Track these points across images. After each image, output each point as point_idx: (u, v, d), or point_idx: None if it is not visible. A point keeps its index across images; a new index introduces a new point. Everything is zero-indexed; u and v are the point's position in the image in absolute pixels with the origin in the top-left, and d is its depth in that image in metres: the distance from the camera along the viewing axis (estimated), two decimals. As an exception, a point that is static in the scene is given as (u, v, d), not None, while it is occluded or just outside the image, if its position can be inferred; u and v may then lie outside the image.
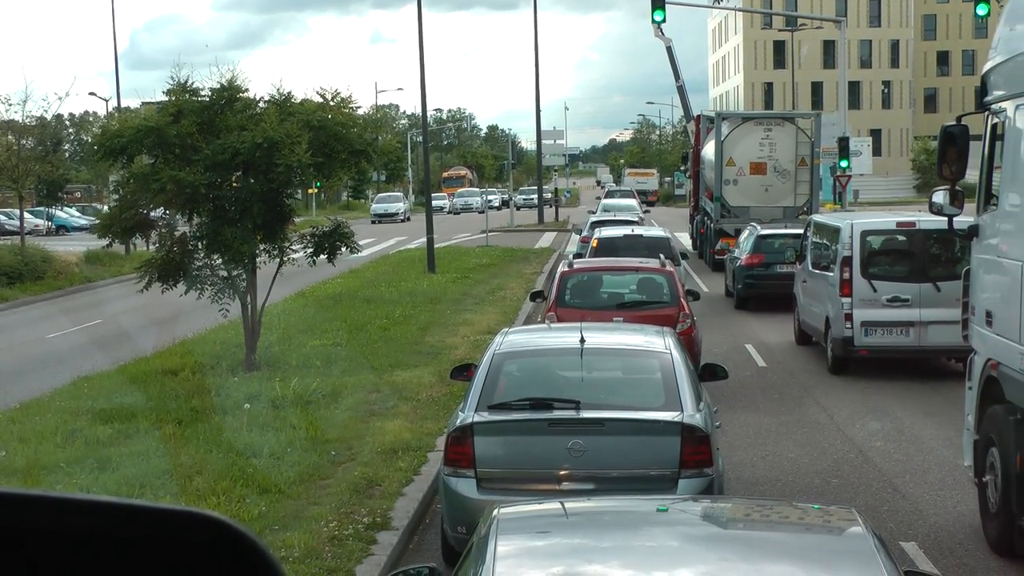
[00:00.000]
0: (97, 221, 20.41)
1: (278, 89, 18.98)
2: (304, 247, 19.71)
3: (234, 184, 18.57)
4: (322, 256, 19.74)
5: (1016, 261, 10.08)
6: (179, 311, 23.62)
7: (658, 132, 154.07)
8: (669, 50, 79.45)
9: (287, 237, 19.31)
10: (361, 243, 56.55)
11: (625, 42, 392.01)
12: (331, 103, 18.93)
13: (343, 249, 19.77)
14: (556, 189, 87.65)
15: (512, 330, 12.46)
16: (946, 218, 11.86)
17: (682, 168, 70.86)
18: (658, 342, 10.89)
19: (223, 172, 18.17)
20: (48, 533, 1.25)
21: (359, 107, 19.24)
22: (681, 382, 9.95)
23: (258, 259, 19.05)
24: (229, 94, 18.43)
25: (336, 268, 27.50)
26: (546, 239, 55.31)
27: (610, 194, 78.29)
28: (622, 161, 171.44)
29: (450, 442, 9.67)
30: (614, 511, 5.92)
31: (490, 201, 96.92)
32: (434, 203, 66.16)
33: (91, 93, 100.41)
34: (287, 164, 17.65)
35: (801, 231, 24.90)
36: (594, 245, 25.43)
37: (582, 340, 10.33)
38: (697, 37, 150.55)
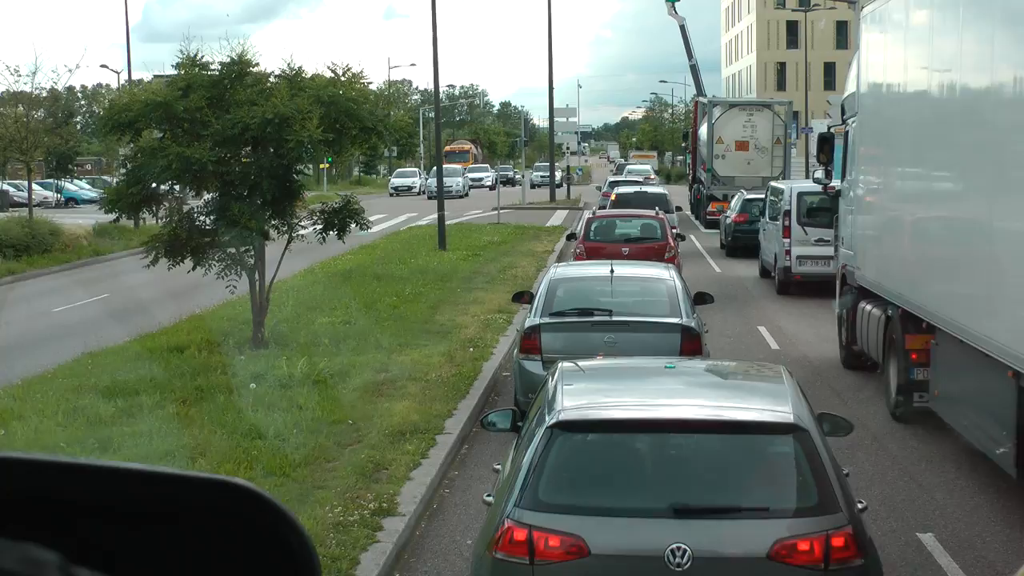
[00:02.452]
0: (104, 195, 20.03)
1: (289, 64, 18.73)
2: (313, 223, 19.48)
3: (244, 160, 18.33)
4: (332, 233, 19.51)
5: (850, 207, 18.52)
6: (188, 286, 23.31)
7: (671, 111, 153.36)
8: (682, 29, 79.36)
9: (296, 214, 19.07)
10: (373, 219, 56.34)
11: (640, 20, 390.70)
12: (342, 79, 18.66)
13: (353, 225, 19.53)
14: (568, 167, 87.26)
15: (559, 265, 17.65)
16: (823, 186, 21.24)
17: (683, 145, 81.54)
18: (665, 273, 15.46)
19: (232, 147, 17.93)
20: (70, 500, 1.26)
21: (370, 83, 18.98)
22: (681, 299, 14.35)
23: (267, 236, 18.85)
24: (239, 68, 18.18)
25: (347, 244, 27.33)
26: (558, 217, 55.04)
27: (620, 168, 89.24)
28: (634, 139, 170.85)
29: (523, 337, 14.11)
30: (637, 366, 9.92)
31: (480, 180, 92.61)
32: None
33: (103, 65, 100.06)
34: (298, 140, 17.40)
35: None
36: (612, 199, 36.30)
37: (612, 271, 15.08)
38: (711, 16, 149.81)
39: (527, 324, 14.22)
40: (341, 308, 22.72)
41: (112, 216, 18.72)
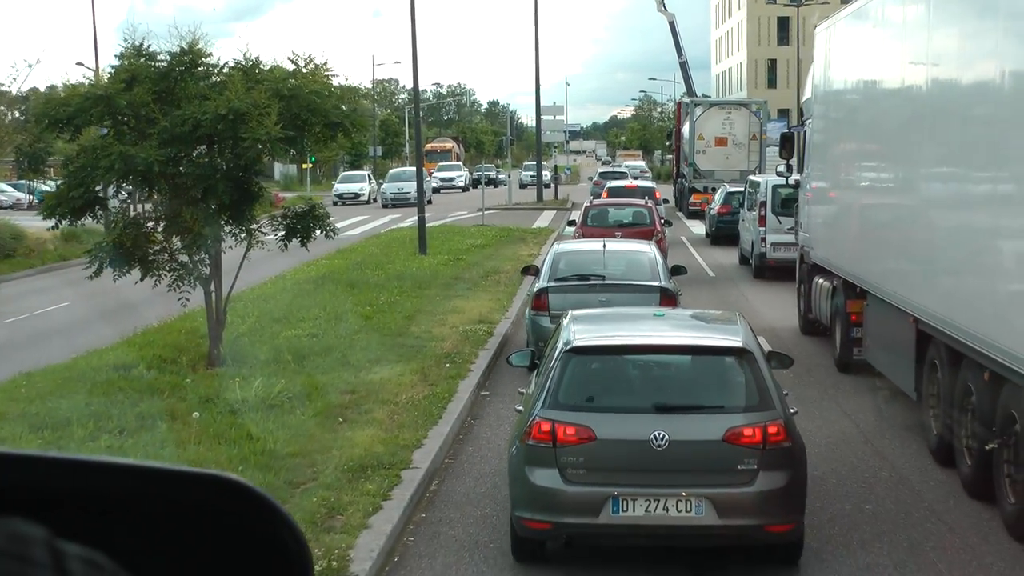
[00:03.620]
0: (42, 199, 18.31)
1: (245, 54, 17.12)
2: (275, 230, 17.90)
3: (198, 160, 16.72)
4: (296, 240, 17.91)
5: (806, 197, 21.44)
6: (158, 292, 21.61)
7: (660, 109, 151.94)
8: (672, 25, 78.41)
9: (255, 219, 17.49)
10: (353, 220, 54.62)
11: (629, 18, 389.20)
12: (304, 70, 17.07)
13: (318, 232, 17.93)
14: (556, 166, 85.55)
15: (561, 242, 22.16)
16: (785, 178, 24.06)
17: (667, 143, 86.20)
18: (647, 248, 18.82)
19: (183, 146, 16.30)
20: (59, 495, 1.24)
21: (335, 75, 17.35)
22: (660, 268, 17.54)
23: (224, 243, 17.27)
24: (190, 59, 16.58)
25: (321, 248, 25.76)
26: (544, 218, 53.29)
27: (606, 163, 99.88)
28: (623, 138, 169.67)
29: (535, 297, 17.35)
30: (631, 313, 13.05)
31: (451, 180, 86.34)
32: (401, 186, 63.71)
33: (78, 63, 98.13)
34: (254, 137, 15.82)
35: None
36: (604, 196, 39.60)
37: (604, 246, 18.04)
38: (700, 13, 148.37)
39: (537, 287, 17.63)
40: (309, 319, 21.07)
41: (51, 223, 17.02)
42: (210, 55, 16.77)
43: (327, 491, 10.95)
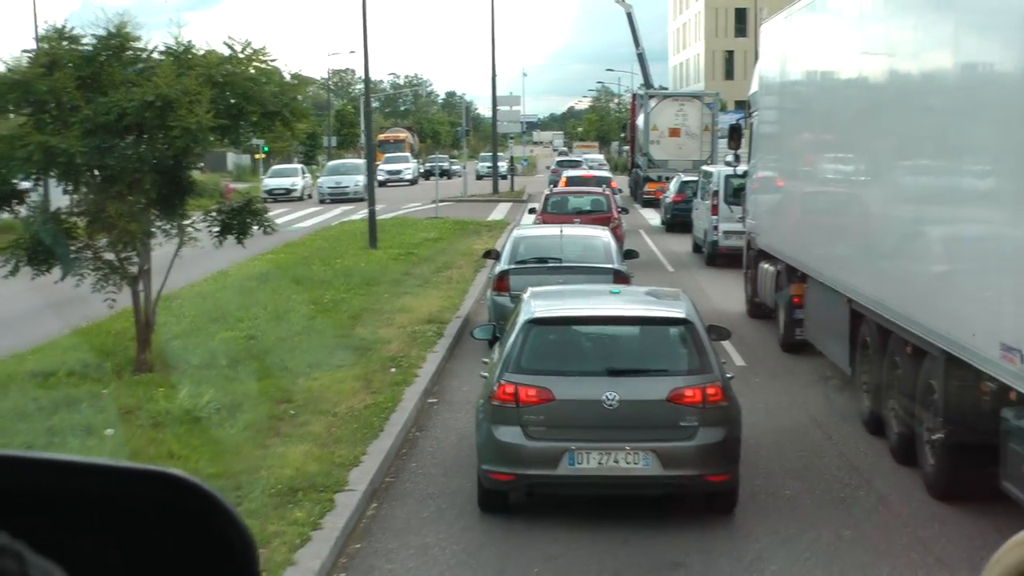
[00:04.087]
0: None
1: (177, 38, 15.98)
2: (209, 226, 16.78)
3: (126, 151, 15.54)
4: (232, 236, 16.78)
5: (752, 187, 22.32)
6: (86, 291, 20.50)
7: (617, 100, 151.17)
8: (629, 16, 77.89)
9: (188, 214, 16.37)
10: (304, 212, 53.23)
11: (586, 9, 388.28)
12: (241, 55, 15.96)
13: (255, 228, 16.84)
14: (512, 158, 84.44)
15: (520, 226, 23.69)
16: (733, 168, 26.09)
17: (622, 135, 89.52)
18: (602, 234, 19.55)
19: (108, 136, 15.14)
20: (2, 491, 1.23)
21: (273, 59, 16.23)
22: (613, 251, 18.37)
23: (155, 240, 16.14)
24: (118, 43, 15.42)
25: (268, 242, 24.67)
26: (500, 210, 52.18)
27: (562, 153, 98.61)
28: (580, 129, 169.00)
29: (496, 278, 18.15)
30: (586, 289, 13.72)
31: (397, 173, 78.45)
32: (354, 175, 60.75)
33: (24, 51, 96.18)
34: (184, 127, 14.71)
35: None
36: (563, 184, 40.77)
37: (561, 231, 19.15)
38: (658, 4, 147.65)
39: (498, 270, 18.56)
40: (248, 319, 19.94)
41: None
42: (139, 39, 15.63)
43: (251, 520, 9.86)
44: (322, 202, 60.08)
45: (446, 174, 75.49)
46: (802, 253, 17.64)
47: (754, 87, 22.52)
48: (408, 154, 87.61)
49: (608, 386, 10.20)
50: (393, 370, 16.41)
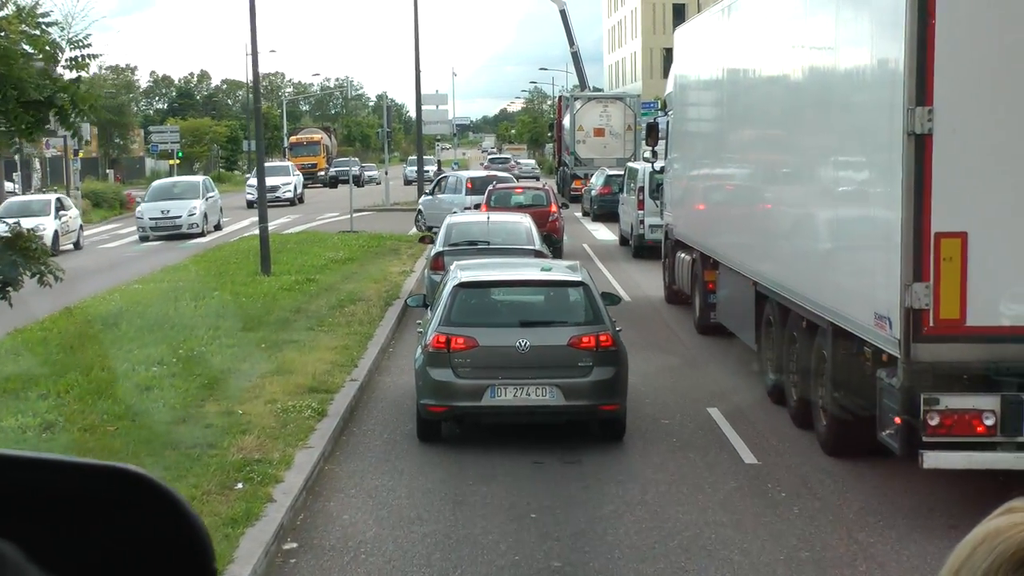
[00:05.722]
0: None
1: None
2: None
3: None
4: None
5: (668, 181, 24.56)
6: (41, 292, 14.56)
7: (549, 102, 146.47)
8: (563, 13, 74.72)
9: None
10: (224, 219, 46.77)
11: (518, 8, 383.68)
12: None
13: (27, 277, 11.29)
14: (439, 161, 78.96)
15: (456, 214, 26.22)
16: (651, 164, 28.79)
17: (549, 135, 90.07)
18: (525, 220, 22.61)
19: None
20: None
21: (50, 24, 10.70)
22: (534, 235, 21.55)
23: None
24: None
25: (145, 265, 19.20)
26: (425, 221, 46.69)
27: (493, 158, 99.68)
28: (512, 131, 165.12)
29: (432, 259, 20.74)
30: (503, 261, 17.13)
31: (274, 190, 55.28)
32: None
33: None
34: None
35: None
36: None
37: (488, 218, 22.89)
38: (593, 1, 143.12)
39: (434, 251, 20.97)
40: (54, 395, 14.35)
41: None
42: None
43: None
44: (143, 240, 43.51)
45: (357, 181, 65.14)
46: (713, 241, 19.45)
47: (669, 88, 24.77)
48: (290, 165, 70.22)
49: (521, 335, 13.16)
50: (240, 486, 10.94)
